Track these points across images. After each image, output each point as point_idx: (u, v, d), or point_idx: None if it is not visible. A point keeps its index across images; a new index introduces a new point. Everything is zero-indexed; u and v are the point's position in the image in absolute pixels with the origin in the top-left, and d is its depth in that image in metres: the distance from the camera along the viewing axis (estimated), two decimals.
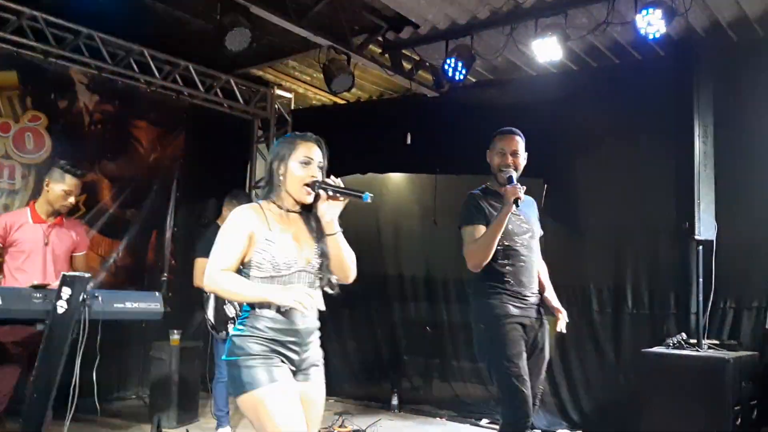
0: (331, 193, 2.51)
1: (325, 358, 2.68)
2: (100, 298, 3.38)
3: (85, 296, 3.26)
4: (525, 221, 3.57)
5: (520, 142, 3.59)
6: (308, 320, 2.54)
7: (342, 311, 7.18)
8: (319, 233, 2.59)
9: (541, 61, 5.48)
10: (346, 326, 7.33)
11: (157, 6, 5.73)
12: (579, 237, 5.97)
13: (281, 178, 2.55)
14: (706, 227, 4.91)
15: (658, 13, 4.68)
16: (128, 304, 3.58)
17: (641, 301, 5.66)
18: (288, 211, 2.58)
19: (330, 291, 2.62)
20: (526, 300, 3.46)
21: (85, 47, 6.23)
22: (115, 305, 3.51)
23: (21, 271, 3.84)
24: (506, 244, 3.45)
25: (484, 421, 6.08)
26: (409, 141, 6.85)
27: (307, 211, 2.61)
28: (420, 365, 7.03)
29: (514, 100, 6.11)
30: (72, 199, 3.99)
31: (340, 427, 5.70)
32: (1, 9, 5.65)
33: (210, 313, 5.04)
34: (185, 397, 5.84)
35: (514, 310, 3.40)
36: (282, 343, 2.46)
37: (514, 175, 3.47)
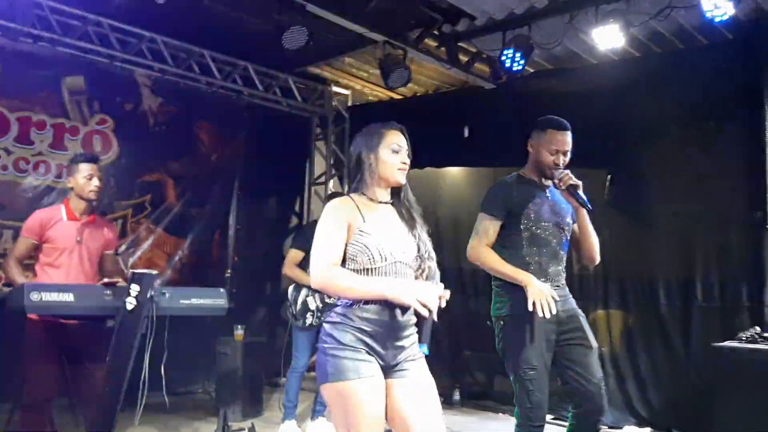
0: None
1: None
2: (167, 295, 3.45)
3: (152, 293, 3.33)
4: (556, 208, 3.38)
5: (570, 140, 3.37)
6: (406, 314, 2.50)
7: None
8: (411, 222, 2.60)
9: (602, 49, 5.36)
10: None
11: (215, 7, 5.84)
12: (645, 228, 5.81)
13: (372, 166, 2.56)
14: None
15: None
16: (194, 301, 3.64)
17: (711, 293, 5.47)
18: (379, 202, 2.58)
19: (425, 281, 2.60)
20: (558, 293, 3.23)
21: (148, 51, 6.40)
22: (181, 301, 3.57)
23: (53, 268, 3.85)
24: (533, 230, 3.30)
25: (547, 417, 5.97)
26: (466, 134, 6.80)
27: (397, 200, 2.63)
28: (482, 360, 6.95)
29: (574, 89, 5.99)
30: (97, 182, 3.91)
31: None
32: (66, 15, 5.85)
33: (300, 296, 5.10)
34: (250, 391, 5.94)
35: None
36: (374, 336, 2.42)
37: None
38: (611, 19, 4.95)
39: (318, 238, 2.48)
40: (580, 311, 3.38)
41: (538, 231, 3.30)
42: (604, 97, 5.75)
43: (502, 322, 3.31)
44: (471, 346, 7.00)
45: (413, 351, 2.55)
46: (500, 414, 6.27)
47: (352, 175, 2.63)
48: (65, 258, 3.86)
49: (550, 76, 6.58)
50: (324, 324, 2.49)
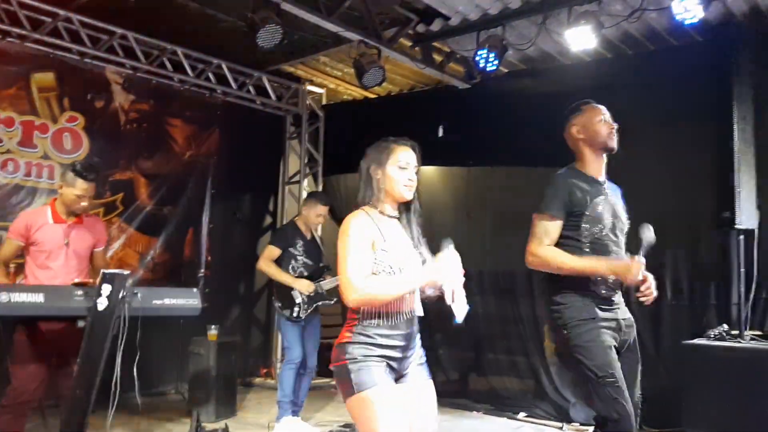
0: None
1: None
2: (139, 295, 3.41)
3: (124, 293, 3.30)
4: (616, 207, 3.17)
5: None
6: (413, 326, 2.57)
7: None
8: (417, 241, 2.64)
9: (574, 50, 5.40)
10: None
11: (189, 4, 5.79)
12: None
13: (380, 182, 2.58)
14: (747, 216, 4.81)
15: None
16: (166, 301, 3.60)
17: (681, 291, 5.55)
18: (389, 216, 2.61)
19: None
20: (614, 299, 3.04)
21: (119, 47, 6.32)
22: (153, 302, 3.53)
23: (42, 269, 3.87)
24: (594, 234, 3.03)
25: (521, 415, 6.03)
26: (441, 134, 6.82)
27: (404, 215, 2.65)
28: (455, 359, 7.00)
29: (547, 89, 6.04)
30: (85, 203, 3.94)
31: None
32: (36, 11, 5.75)
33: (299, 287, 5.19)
34: (223, 391, 5.90)
35: (602, 313, 2.98)
36: (394, 348, 2.49)
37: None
38: (583, 20, 5.00)
39: (347, 253, 2.46)
40: (633, 320, 3.17)
41: (600, 235, 3.04)
42: (577, 97, 5.67)
43: (565, 332, 2.97)
44: (445, 344, 7.03)
45: (420, 355, 2.65)
46: (474, 412, 6.30)
47: (362, 189, 2.63)
48: (53, 260, 3.89)
49: (523, 76, 6.63)
50: (343, 344, 2.49)
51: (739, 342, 4.64)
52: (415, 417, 2.56)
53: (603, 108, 3.24)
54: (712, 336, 4.79)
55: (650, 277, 3.05)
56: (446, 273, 2.43)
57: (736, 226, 4.78)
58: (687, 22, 4.70)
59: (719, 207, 4.91)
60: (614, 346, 2.96)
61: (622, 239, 3.18)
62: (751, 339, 4.68)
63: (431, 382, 2.67)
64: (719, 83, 5.01)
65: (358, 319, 2.49)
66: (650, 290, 3.03)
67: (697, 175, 5.40)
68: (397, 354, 2.50)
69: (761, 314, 5.12)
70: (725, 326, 4.87)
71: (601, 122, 3.16)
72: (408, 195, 2.60)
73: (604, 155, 3.20)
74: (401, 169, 2.58)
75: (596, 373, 2.87)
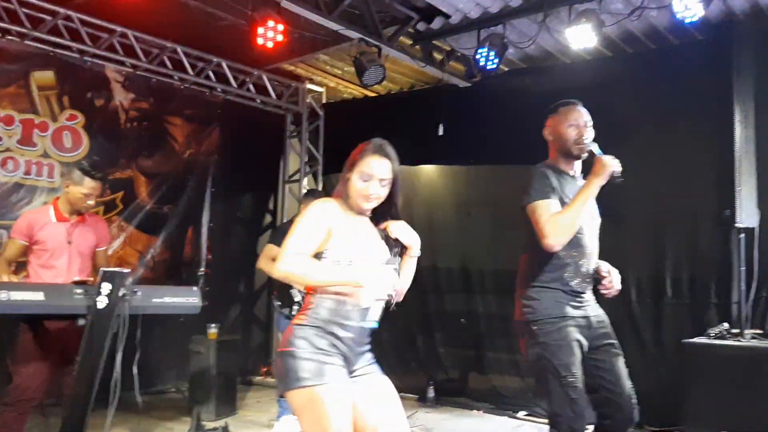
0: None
1: None
2: (139, 293, 3.40)
3: (124, 291, 3.29)
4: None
5: (586, 112, 3.16)
6: (365, 320, 2.50)
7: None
8: (388, 243, 2.56)
9: (575, 49, 5.40)
10: (380, 318, 7.31)
11: (188, 3, 5.78)
12: (616, 226, 5.83)
13: (347, 183, 2.54)
14: (747, 214, 4.81)
15: None
16: (166, 299, 3.59)
17: (681, 290, 5.55)
18: (357, 214, 2.57)
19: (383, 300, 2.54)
20: (585, 296, 3.05)
21: (119, 46, 6.31)
22: (153, 300, 3.52)
23: (45, 269, 3.87)
24: None
25: (521, 413, 6.03)
26: (441, 132, 6.82)
27: (380, 214, 2.61)
28: (456, 357, 7.00)
29: (547, 88, 6.02)
30: (92, 202, 3.96)
31: None
32: (36, 9, 5.74)
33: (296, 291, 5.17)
34: (224, 389, 5.90)
35: (571, 311, 2.97)
36: (345, 341, 2.43)
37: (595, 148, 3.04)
38: (584, 19, 4.99)
39: (294, 230, 2.48)
40: (606, 316, 3.15)
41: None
42: (577, 96, 5.69)
43: (534, 327, 2.99)
44: (445, 343, 7.03)
45: (369, 355, 2.58)
46: (474, 411, 6.31)
47: (341, 182, 2.59)
48: (56, 259, 3.89)
49: (523, 75, 6.62)
50: (294, 326, 2.45)
51: (740, 341, 4.64)
52: (379, 416, 2.47)
53: (581, 111, 3.16)
54: (713, 335, 4.79)
55: (614, 272, 3.11)
56: (373, 283, 2.38)
57: (737, 225, 4.77)
58: (687, 20, 4.70)
59: (720, 205, 4.91)
60: (581, 344, 2.97)
61: (596, 233, 3.16)
62: (752, 338, 4.67)
63: (388, 379, 2.58)
64: (720, 82, 5.01)
65: (313, 303, 2.45)
66: (612, 284, 3.08)
67: (698, 173, 5.39)
68: (348, 345, 2.43)
69: (762, 313, 5.11)
70: (726, 325, 4.87)
71: (570, 127, 3.11)
72: (365, 206, 2.53)
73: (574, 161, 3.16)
74: (363, 181, 2.50)
75: (559, 373, 2.89)
